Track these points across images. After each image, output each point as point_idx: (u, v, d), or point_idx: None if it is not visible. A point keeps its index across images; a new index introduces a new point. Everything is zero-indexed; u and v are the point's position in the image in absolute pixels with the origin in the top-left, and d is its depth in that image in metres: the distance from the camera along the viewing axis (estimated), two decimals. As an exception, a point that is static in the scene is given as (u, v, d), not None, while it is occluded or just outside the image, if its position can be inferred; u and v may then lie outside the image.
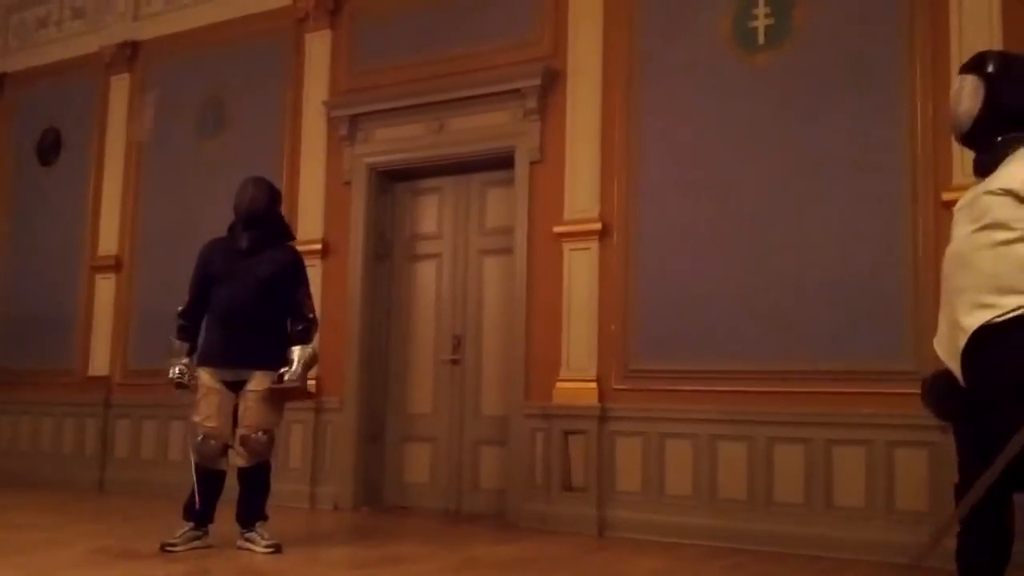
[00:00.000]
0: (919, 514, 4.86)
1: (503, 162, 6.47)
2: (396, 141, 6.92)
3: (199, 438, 4.72)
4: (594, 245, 5.96)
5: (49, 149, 8.76)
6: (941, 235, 4.99)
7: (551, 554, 5.05)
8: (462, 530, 5.91)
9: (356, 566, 4.50)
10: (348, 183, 7.04)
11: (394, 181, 7.13)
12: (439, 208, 6.99)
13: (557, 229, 6.09)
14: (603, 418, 5.80)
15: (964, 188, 4.87)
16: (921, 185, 5.06)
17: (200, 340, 4.93)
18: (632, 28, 6.02)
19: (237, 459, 4.76)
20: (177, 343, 4.96)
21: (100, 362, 8.09)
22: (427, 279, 6.96)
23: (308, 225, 7.03)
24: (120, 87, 8.33)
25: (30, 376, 8.39)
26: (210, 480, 4.72)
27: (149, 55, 8.25)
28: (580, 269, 5.99)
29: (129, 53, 8.29)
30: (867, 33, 5.33)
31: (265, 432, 4.75)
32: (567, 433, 5.90)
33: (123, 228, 8.16)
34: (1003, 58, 2.94)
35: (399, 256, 7.08)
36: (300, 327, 4.91)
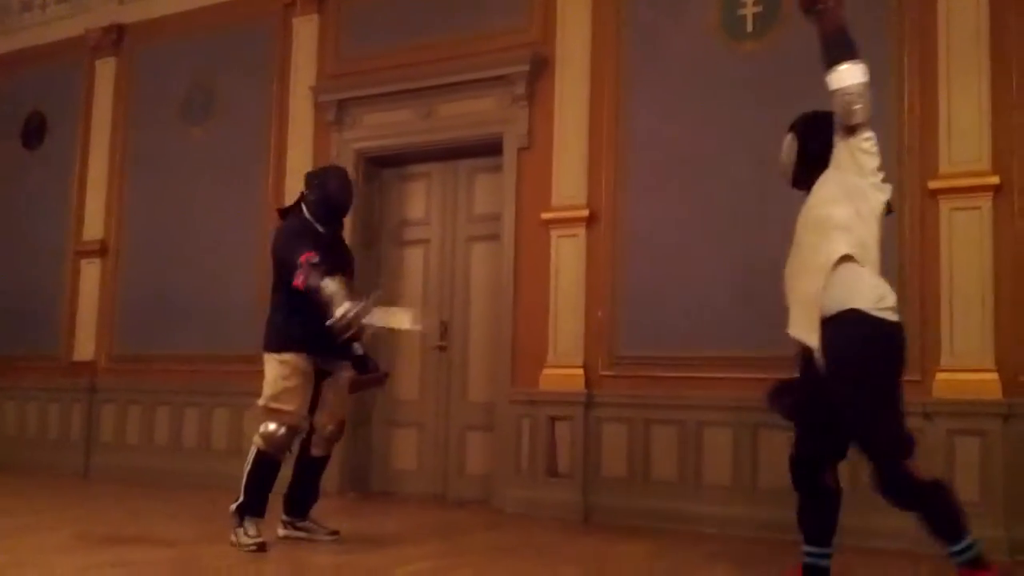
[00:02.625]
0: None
1: (491, 148, 6.46)
2: (384, 127, 6.90)
3: (282, 430, 4.43)
4: (581, 232, 5.96)
5: (34, 133, 8.69)
6: (927, 222, 5.03)
7: (537, 540, 5.06)
8: (448, 516, 5.92)
9: (342, 552, 4.50)
10: (335, 169, 7.01)
11: (382, 167, 7.11)
12: (427, 194, 6.98)
13: (545, 216, 6.10)
14: (589, 404, 5.81)
15: (951, 176, 4.96)
16: (908, 173, 5.07)
17: (288, 324, 4.48)
18: (621, 15, 6.02)
19: (315, 448, 4.70)
20: (333, 284, 4.25)
21: (85, 347, 8.06)
22: (415, 265, 6.95)
23: (295, 211, 6.99)
24: (105, 71, 8.27)
25: (15, 361, 8.36)
26: (274, 470, 4.49)
27: (135, 39, 8.19)
28: (567, 256, 5.99)
29: (115, 36, 8.22)
30: (855, 21, 5.27)
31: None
32: (553, 419, 5.91)
33: (108, 213, 8.11)
34: (812, 116, 3.62)
35: (387, 242, 7.07)
36: None
